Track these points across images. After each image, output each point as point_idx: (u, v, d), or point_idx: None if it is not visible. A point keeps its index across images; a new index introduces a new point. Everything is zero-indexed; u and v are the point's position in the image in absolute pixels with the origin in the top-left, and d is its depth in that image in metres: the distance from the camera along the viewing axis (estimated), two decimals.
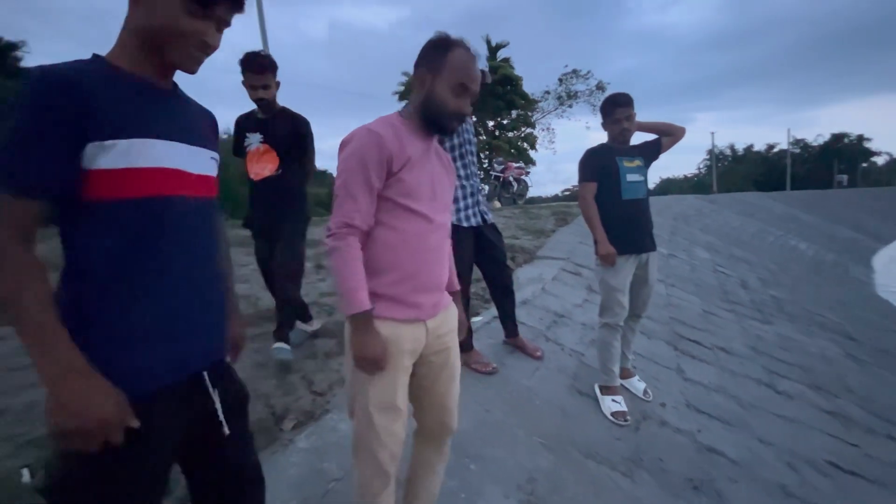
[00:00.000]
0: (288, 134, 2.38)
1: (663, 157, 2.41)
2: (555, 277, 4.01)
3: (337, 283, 1.08)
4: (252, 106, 2.40)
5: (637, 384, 2.48)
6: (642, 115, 2.31)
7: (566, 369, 2.58)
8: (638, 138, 2.38)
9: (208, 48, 0.80)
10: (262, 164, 2.35)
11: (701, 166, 47.17)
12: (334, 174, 1.23)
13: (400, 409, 1.13)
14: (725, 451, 2.12)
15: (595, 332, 2.67)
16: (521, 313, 3.07)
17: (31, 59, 18.92)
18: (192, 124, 0.88)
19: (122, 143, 0.71)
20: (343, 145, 1.14)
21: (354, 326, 1.06)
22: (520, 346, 2.64)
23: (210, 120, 0.97)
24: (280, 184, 2.37)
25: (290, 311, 2.44)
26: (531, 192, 11.55)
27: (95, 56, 0.77)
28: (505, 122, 21.36)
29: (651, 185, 2.41)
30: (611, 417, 2.20)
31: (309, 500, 1.51)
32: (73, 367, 0.65)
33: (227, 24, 0.82)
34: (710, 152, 39.87)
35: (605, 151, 2.29)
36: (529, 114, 21.98)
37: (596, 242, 2.28)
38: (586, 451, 1.95)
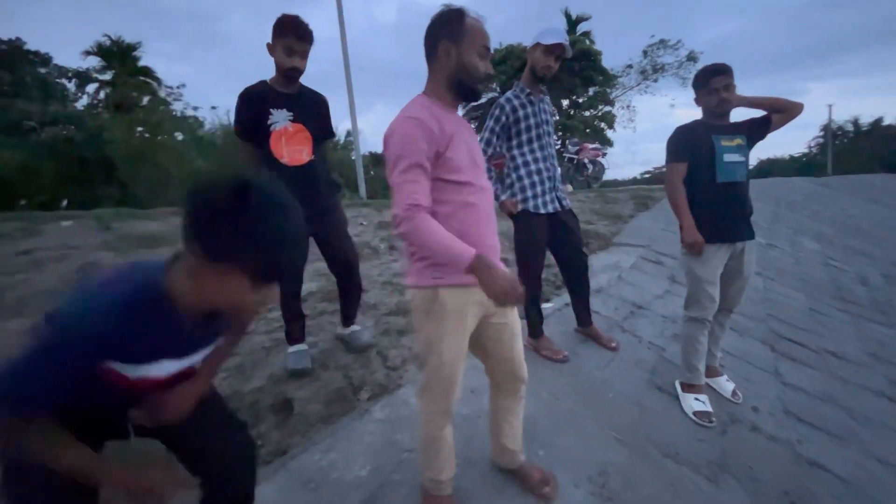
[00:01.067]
0: (317, 112, 2.10)
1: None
2: (633, 265, 3.78)
3: (434, 252, 1.13)
4: (258, 78, 2.04)
5: (725, 384, 2.28)
6: (743, 89, 2.03)
7: (644, 363, 2.44)
8: (741, 116, 2.10)
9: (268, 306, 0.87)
10: (298, 147, 2.01)
11: (812, 145, 40.86)
12: None
13: (463, 361, 1.29)
14: (831, 466, 1.88)
15: (679, 326, 2.49)
16: (595, 302, 2.94)
17: (147, 58, 21.34)
18: (205, 337, 0.93)
19: (126, 366, 0.81)
20: (388, 139, 1.16)
21: (478, 272, 1.07)
22: (593, 335, 2.55)
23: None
24: (317, 170, 2.07)
25: (358, 296, 2.39)
26: (607, 175, 10.90)
27: (158, 295, 0.78)
28: (581, 100, 20.22)
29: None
30: (693, 417, 2.05)
31: (382, 467, 1.61)
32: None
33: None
34: (826, 128, 34.56)
35: (700, 128, 2.05)
36: (608, 91, 20.58)
37: (682, 229, 2.09)
38: (664, 449, 1.84)
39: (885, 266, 5.75)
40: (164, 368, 0.87)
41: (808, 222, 7.36)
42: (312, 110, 2.07)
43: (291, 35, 1.89)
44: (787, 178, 14.81)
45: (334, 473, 1.57)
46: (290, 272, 2.09)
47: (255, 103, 1.95)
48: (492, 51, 1.23)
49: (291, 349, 2.18)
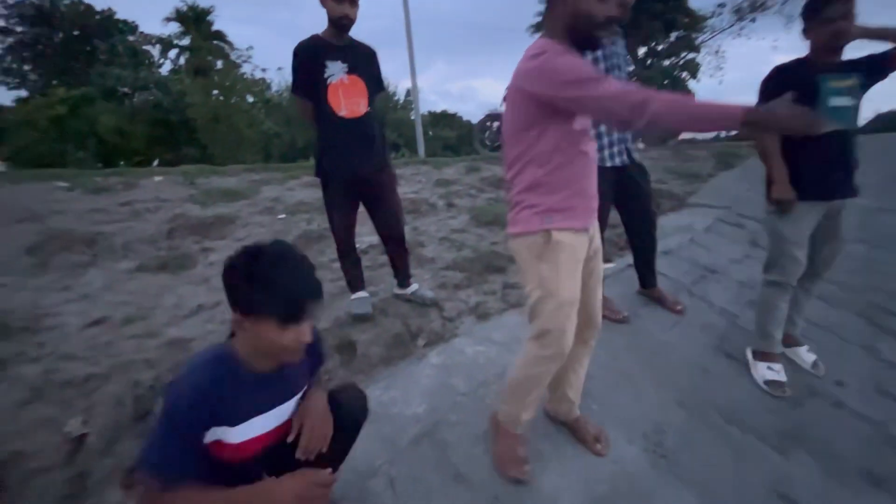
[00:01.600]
0: (370, 64, 2.07)
1: (886, 82, 1.75)
2: (708, 228, 3.50)
3: (699, 115, 0.96)
4: (310, 32, 2.00)
5: (805, 355, 2.09)
6: (868, 21, 1.69)
7: (713, 328, 2.30)
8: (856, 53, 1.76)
9: (307, 342, 0.93)
10: (355, 100, 1.98)
11: None
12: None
13: (577, 303, 1.29)
14: None
15: (757, 293, 2.29)
16: (662, 264, 2.78)
17: (219, 23, 22.17)
18: (290, 386, 1.05)
19: (227, 431, 0.93)
20: (546, 69, 1.09)
21: (759, 119, 0.93)
22: (657, 297, 2.43)
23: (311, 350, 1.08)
24: (372, 124, 2.05)
25: (404, 256, 2.39)
26: (686, 133, 9.93)
27: (227, 356, 0.93)
28: (660, 47, 18.24)
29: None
30: (763, 386, 1.92)
31: (437, 408, 1.69)
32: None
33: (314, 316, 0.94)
34: None
35: (803, 68, 1.76)
36: (694, 35, 18.32)
37: (770, 182, 1.85)
38: (729, 416, 1.76)
39: None
40: (259, 425, 0.99)
41: None
42: (365, 61, 2.05)
43: None
44: None
45: (394, 408, 1.69)
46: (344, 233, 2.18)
47: (309, 57, 1.95)
48: None
49: (354, 296, 2.31)
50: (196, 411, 0.87)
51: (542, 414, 1.66)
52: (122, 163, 16.46)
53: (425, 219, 3.77)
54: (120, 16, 20.65)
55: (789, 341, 2.11)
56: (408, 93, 21.73)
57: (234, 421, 0.94)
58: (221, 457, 0.96)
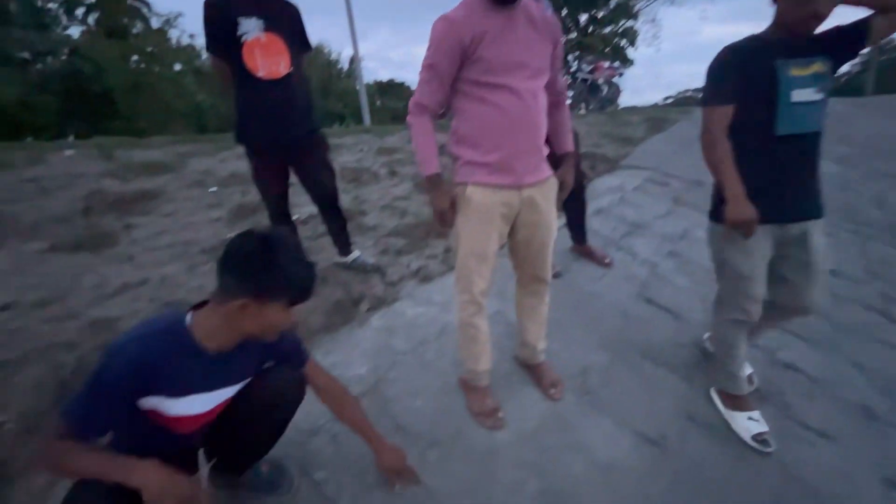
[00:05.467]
0: (290, 21, 1.92)
1: None
2: (637, 187, 3.72)
3: (414, 153, 1.33)
4: None
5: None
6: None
7: (635, 277, 2.50)
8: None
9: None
10: (274, 59, 1.83)
11: (855, 61, 37.12)
12: (412, 87, 1.40)
13: (488, 257, 1.37)
14: (806, 369, 1.98)
15: (675, 244, 2.50)
16: (594, 222, 2.95)
17: None
18: (237, 372, 1.06)
19: (163, 401, 0.93)
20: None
21: (427, 186, 1.31)
22: (587, 253, 2.59)
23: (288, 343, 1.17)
24: (295, 85, 1.91)
25: (342, 224, 2.35)
26: (625, 101, 10.28)
27: (181, 330, 0.93)
28: (600, 15, 18.48)
29: None
30: (752, 442, 1.53)
31: (378, 368, 1.75)
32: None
33: None
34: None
35: (759, 49, 1.34)
36: (631, 3, 18.70)
37: (721, 200, 1.39)
38: (644, 352, 1.95)
39: None
40: (198, 404, 0.99)
41: (833, 147, 6.97)
42: (284, 18, 1.89)
43: None
44: None
45: (335, 372, 1.67)
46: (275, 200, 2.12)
47: (220, 12, 1.77)
48: None
49: None
50: (133, 378, 0.86)
51: (512, 362, 1.82)
52: (29, 139, 14.66)
53: (367, 187, 3.71)
54: None
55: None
56: (351, 61, 20.71)
57: (173, 393, 0.94)
58: (157, 424, 0.96)
